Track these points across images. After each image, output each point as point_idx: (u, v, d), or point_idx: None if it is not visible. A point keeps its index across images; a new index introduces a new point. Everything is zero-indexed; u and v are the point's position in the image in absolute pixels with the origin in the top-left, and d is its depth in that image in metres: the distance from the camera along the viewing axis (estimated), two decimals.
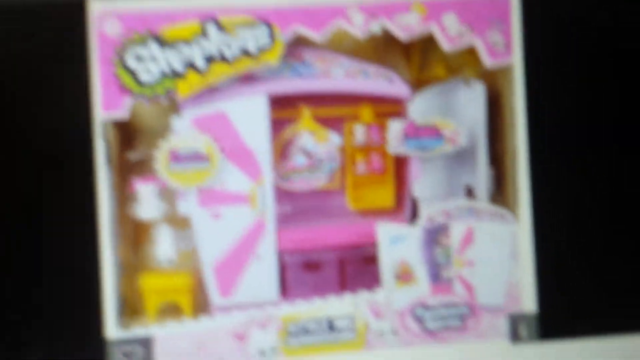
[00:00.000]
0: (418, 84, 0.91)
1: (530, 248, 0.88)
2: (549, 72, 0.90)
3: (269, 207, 0.87)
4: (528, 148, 0.88)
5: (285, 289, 0.89)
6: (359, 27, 0.85)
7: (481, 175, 0.90)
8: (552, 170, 0.91)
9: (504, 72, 0.88)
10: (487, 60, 0.87)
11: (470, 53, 0.88)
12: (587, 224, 0.92)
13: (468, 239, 0.88)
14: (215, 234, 0.86)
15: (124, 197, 0.87)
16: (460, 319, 0.88)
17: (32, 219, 0.85)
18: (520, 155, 0.88)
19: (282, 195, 0.89)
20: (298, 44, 0.86)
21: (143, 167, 0.86)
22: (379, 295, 0.87)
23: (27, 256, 0.84)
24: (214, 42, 0.82)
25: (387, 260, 0.87)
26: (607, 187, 0.93)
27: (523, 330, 0.89)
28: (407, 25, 0.86)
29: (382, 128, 0.89)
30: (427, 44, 0.89)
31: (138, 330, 0.84)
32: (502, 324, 0.89)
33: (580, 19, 0.92)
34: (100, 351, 0.83)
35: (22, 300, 0.84)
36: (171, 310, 0.87)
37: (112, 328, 0.83)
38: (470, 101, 0.90)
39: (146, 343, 0.83)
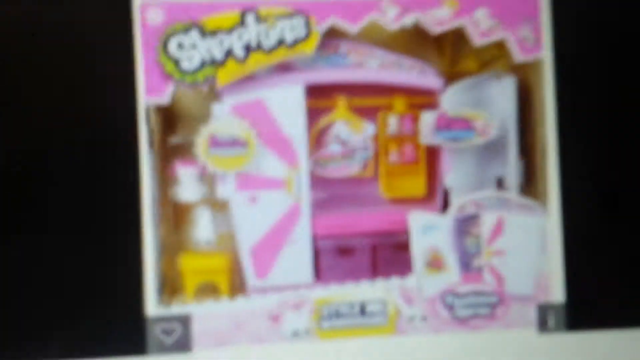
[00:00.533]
0: (450, 77, 0.92)
1: (560, 241, 0.89)
2: (579, 66, 0.91)
3: (305, 193, 0.89)
4: (558, 141, 0.89)
5: (319, 273, 0.91)
6: (392, 20, 0.87)
7: (511, 167, 0.91)
8: (582, 163, 0.91)
9: (534, 66, 0.89)
10: (517, 55, 0.89)
11: (501, 47, 0.89)
12: (616, 216, 0.93)
13: (498, 230, 0.88)
14: (252, 218, 0.88)
15: (165, 180, 0.89)
16: (490, 307, 0.89)
17: (80, 202, 0.87)
18: (550, 148, 0.89)
19: (317, 182, 0.91)
20: (333, 36, 0.88)
21: (184, 151, 0.88)
22: (410, 282, 0.88)
23: (75, 236, 0.87)
24: (253, 32, 0.85)
25: (419, 247, 0.88)
26: (636, 179, 0.93)
27: (551, 320, 0.89)
28: (439, 20, 0.87)
29: (415, 119, 0.91)
30: (459, 37, 0.90)
31: (177, 309, 0.86)
32: (531, 314, 0.89)
33: (609, 13, 0.92)
34: (140, 328, 0.85)
35: (70, 278, 0.87)
36: (209, 290, 0.89)
37: (152, 306, 0.85)
38: (501, 94, 0.91)
39: (185, 321, 0.85)
